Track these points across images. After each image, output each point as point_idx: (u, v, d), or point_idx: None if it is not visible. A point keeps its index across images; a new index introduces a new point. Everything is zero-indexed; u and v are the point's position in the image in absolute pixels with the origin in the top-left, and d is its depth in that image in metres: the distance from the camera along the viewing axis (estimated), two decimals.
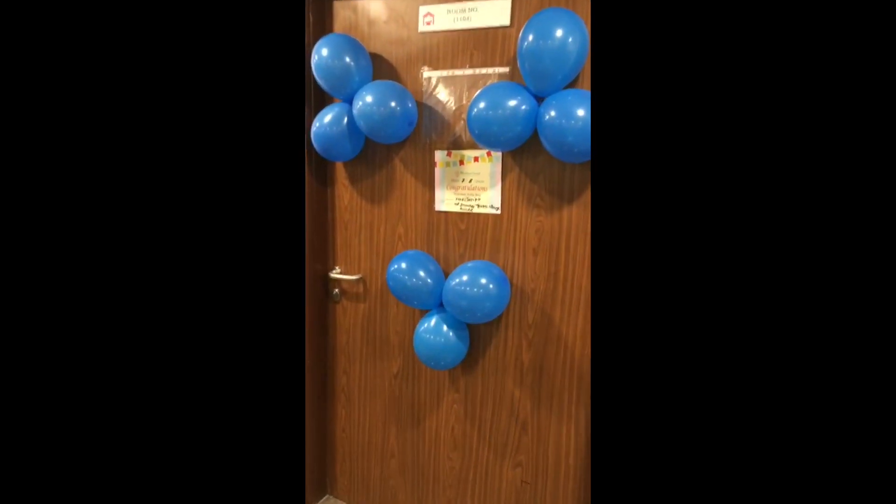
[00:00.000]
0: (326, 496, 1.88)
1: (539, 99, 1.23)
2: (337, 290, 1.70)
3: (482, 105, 1.23)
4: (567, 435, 1.41)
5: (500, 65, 1.34)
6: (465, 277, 1.34)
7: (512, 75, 1.33)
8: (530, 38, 1.15)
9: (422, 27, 1.41)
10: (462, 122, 1.41)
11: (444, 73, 1.41)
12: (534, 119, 1.22)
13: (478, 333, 1.49)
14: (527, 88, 1.23)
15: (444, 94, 1.42)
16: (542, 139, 1.21)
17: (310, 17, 1.51)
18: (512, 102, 1.21)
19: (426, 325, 1.45)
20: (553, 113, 1.16)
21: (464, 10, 1.36)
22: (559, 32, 1.13)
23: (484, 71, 1.36)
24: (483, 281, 1.33)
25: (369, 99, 1.35)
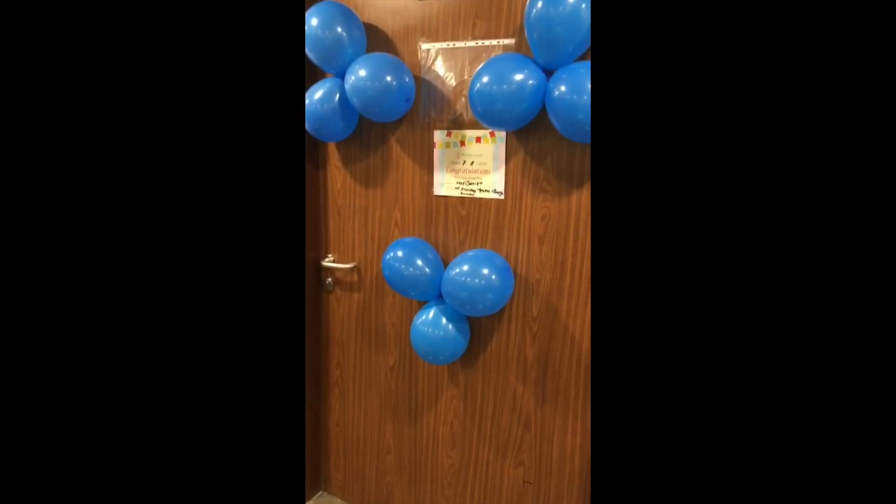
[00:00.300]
0: (320, 492, 1.81)
1: (548, 72, 1.12)
2: (330, 279, 1.61)
3: (486, 79, 1.12)
4: (572, 434, 1.34)
5: (506, 36, 1.23)
6: (465, 267, 1.25)
7: (518, 47, 1.22)
8: (539, 4, 1.04)
9: None
10: (463, 98, 1.30)
11: (444, 45, 1.30)
12: (542, 94, 1.12)
13: (478, 326, 1.40)
14: (535, 61, 1.12)
15: (443, 69, 1.31)
16: (551, 116, 1.11)
17: None
18: (518, 76, 1.10)
19: (424, 317, 1.36)
20: (563, 88, 1.06)
21: None
22: None
23: (488, 43, 1.25)
24: (485, 271, 1.23)
25: (363, 73, 1.25)
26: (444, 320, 1.33)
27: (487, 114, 1.15)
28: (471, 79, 1.27)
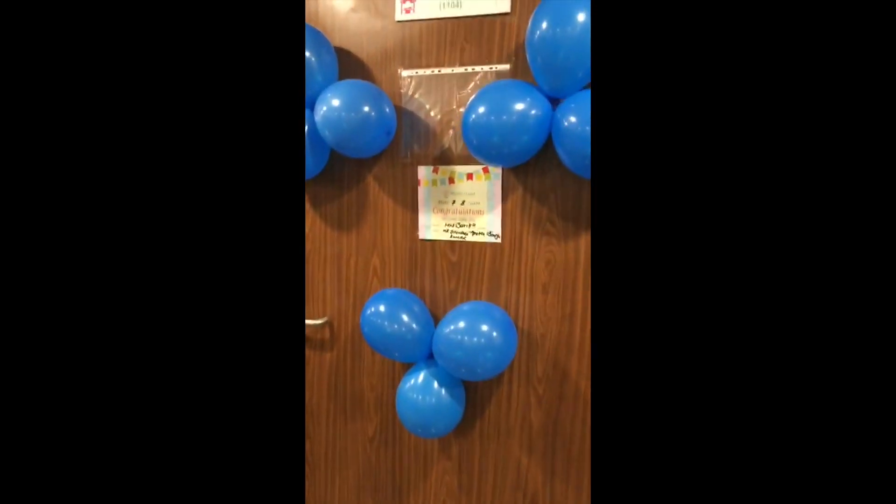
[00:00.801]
0: None
1: (554, 101, 0.99)
2: None
3: (482, 110, 0.98)
4: None
5: (499, 61, 1.09)
6: (461, 324, 1.07)
7: (514, 73, 1.08)
8: (543, 25, 0.92)
9: (400, 15, 1.15)
10: (451, 131, 1.15)
11: (429, 71, 1.15)
12: (547, 126, 0.98)
13: (474, 389, 1.22)
14: (538, 88, 0.99)
15: (427, 98, 1.16)
16: (559, 150, 0.97)
17: None
18: (520, 106, 0.96)
19: (412, 381, 1.16)
20: (574, 118, 0.93)
21: None
22: (580, 17, 0.89)
23: (478, 69, 1.11)
24: (484, 327, 1.06)
25: (336, 103, 1.08)
26: (435, 385, 1.14)
27: (484, 148, 1.00)
28: (459, 109, 1.13)
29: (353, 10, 1.19)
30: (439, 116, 1.16)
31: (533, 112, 0.96)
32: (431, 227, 1.20)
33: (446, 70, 1.14)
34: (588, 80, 0.95)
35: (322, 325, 1.34)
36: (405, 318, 1.13)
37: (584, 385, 1.12)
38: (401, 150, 1.20)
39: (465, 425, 1.24)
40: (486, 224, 1.16)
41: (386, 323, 1.13)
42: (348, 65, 1.21)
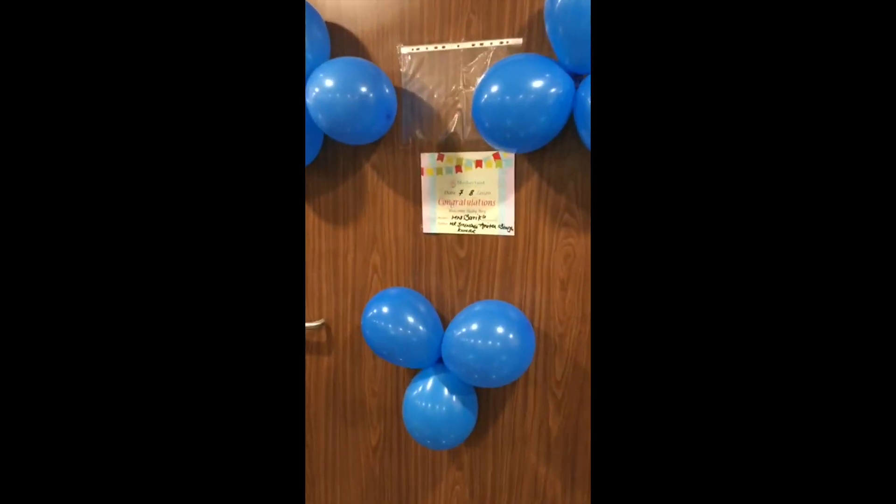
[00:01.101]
0: None
1: (577, 78, 0.89)
2: None
3: (496, 88, 0.87)
4: None
5: (510, 35, 0.99)
6: (473, 326, 0.98)
7: (527, 48, 0.98)
8: None
9: None
10: (457, 113, 1.05)
11: (431, 47, 1.04)
12: (568, 106, 0.88)
13: (487, 393, 1.13)
14: (559, 63, 0.88)
15: (430, 78, 1.05)
16: (583, 133, 0.87)
17: None
18: (538, 83, 0.86)
19: (420, 388, 1.07)
20: None
21: None
22: None
23: (487, 44, 1.00)
24: (499, 330, 0.97)
25: (330, 83, 0.97)
26: (446, 392, 1.05)
27: (497, 132, 0.90)
28: (467, 89, 1.02)
29: None
30: (444, 98, 1.05)
31: (553, 90, 0.86)
32: (437, 219, 1.10)
33: (451, 46, 1.03)
34: None
35: (319, 328, 1.24)
36: (411, 319, 1.04)
37: None
38: (401, 136, 1.09)
39: (477, 432, 1.15)
40: (498, 215, 1.06)
41: (390, 326, 1.04)
42: (341, 42, 1.09)
